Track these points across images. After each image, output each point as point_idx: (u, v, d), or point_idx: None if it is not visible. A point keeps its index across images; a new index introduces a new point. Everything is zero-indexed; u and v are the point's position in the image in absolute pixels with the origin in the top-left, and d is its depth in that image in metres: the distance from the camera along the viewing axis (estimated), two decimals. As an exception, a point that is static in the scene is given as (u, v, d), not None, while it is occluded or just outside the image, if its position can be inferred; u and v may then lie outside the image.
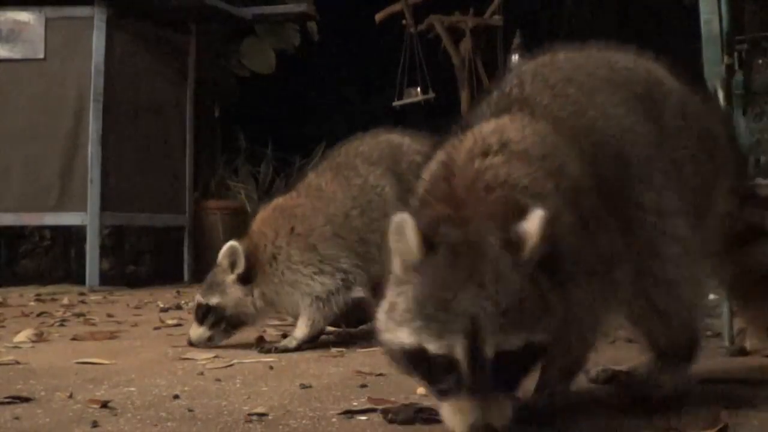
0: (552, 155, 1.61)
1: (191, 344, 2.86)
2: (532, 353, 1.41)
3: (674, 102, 1.88)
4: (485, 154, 1.57)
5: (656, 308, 1.74)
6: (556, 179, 1.57)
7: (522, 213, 1.44)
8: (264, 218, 3.10)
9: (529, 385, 1.58)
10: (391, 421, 1.71)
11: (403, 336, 1.42)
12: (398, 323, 1.43)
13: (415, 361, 1.42)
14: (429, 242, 1.43)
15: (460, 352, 1.36)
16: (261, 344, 2.95)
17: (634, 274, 1.70)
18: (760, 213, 2.05)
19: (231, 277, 2.92)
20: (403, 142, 3.30)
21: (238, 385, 2.16)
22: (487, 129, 1.65)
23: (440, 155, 1.66)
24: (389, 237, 1.45)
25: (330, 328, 3.31)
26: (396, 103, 9.24)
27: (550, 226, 1.42)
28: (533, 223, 1.40)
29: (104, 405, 1.89)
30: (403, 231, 1.42)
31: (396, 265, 1.48)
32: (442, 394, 1.41)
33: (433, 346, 1.38)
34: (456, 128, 1.74)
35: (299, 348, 2.83)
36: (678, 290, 1.75)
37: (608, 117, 1.76)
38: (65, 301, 4.86)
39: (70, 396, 2.01)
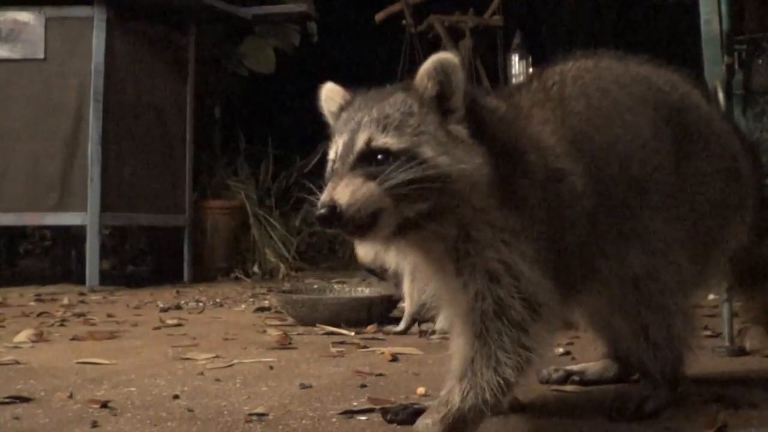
0: (557, 156, 1.66)
1: None
2: (416, 165, 1.45)
3: (703, 131, 1.87)
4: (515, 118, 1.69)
5: (647, 335, 1.75)
6: (549, 178, 1.61)
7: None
8: None
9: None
10: (390, 421, 1.72)
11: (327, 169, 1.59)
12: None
13: (327, 173, 1.57)
14: (350, 96, 1.69)
15: (340, 145, 1.54)
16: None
17: (626, 300, 1.72)
18: None
19: None
20: None
21: (238, 385, 2.17)
22: (519, 109, 1.73)
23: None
24: (322, 106, 1.75)
25: (329, 328, 3.32)
26: (396, 103, 9.24)
27: (460, 74, 1.59)
28: (425, 64, 1.57)
29: (104, 405, 1.89)
30: (330, 92, 1.73)
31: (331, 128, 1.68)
32: None
33: (331, 153, 1.58)
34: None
35: None
36: (671, 320, 1.75)
37: (633, 139, 1.76)
38: (65, 301, 4.86)
39: (70, 396, 2.01)
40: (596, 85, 1.82)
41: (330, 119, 1.70)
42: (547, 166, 1.62)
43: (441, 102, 1.53)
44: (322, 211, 1.42)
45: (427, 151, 1.47)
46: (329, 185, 1.47)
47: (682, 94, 1.91)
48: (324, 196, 1.45)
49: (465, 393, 1.52)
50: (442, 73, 1.55)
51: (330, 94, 1.72)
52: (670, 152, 1.79)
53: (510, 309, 1.53)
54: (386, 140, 1.49)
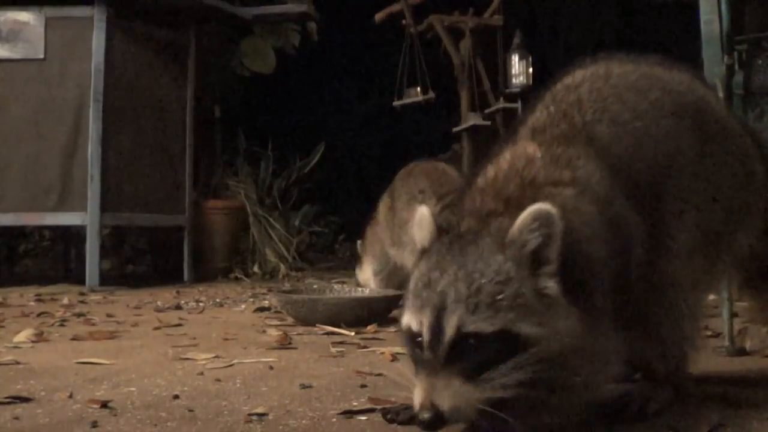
0: (615, 201, 1.63)
1: None
2: (507, 343, 1.37)
3: (719, 134, 1.87)
4: (557, 184, 1.59)
5: (659, 336, 1.75)
6: (614, 228, 1.58)
7: (569, 232, 1.46)
8: None
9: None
10: (390, 421, 1.71)
11: (403, 317, 1.48)
12: (404, 306, 1.50)
13: (407, 341, 1.47)
14: (441, 231, 1.52)
15: (425, 327, 1.39)
16: None
17: (640, 303, 1.71)
18: None
19: None
20: None
21: (238, 385, 2.16)
22: (558, 159, 1.64)
23: (512, 164, 1.65)
24: (414, 229, 1.56)
25: (329, 328, 3.32)
26: (396, 103, 9.24)
27: (559, 225, 1.42)
28: (522, 216, 1.43)
29: (104, 405, 1.89)
30: (422, 220, 1.54)
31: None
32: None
33: (410, 322, 1.43)
34: (514, 130, 1.76)
35: None
36: (681, 321, 1.75)
37: (658, 151, 1.75)
38: (65, 301, 4.86)
39: (70, 396, 2.01)
40: (614, 97, 1.78)
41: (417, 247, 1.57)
42: (606, 219, 1.58)
43: (536, 255, 1.42)
44: (426, 415, 1.34)
45: (524, 328, 1.37)
46: (425, 381, 1.37)
47: (698, 96, 1.89)
48: (422, 398, 1.35)
49: None
50: (546, 226, 1.41)
51: (421, 223, 1.55)
52: (689, 158, 1.79)
53: None
54: (478, 325, 1.36)
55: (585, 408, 1.56)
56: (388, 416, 1.73)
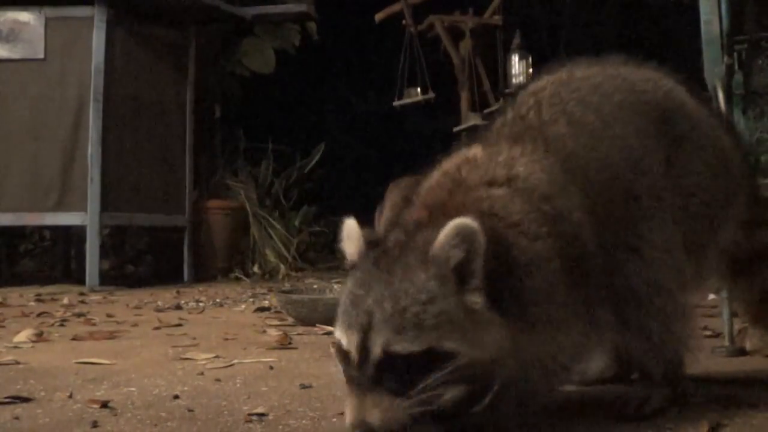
0: (556, 197, 1.61)
1: None
2: (435, 360, 1.38)
3: (690, 129, 1.85)
4: (491, 184, 1.60)
5: (650, 339, 1.74)
6: (552, 224, 1.57)
7: (495, 240, 1.46)
8: None
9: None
10: None
11: (335, 332, 1.49)
12: (336, 321, 1.50)
13: (338, 356, 1.47)
14: (369, 245, 1.51)
15: (353, 347, 1.41)
16: None
17: (628, 307, 1.71)
18: None
19: None
20: None
21: (238, 385, 2.16)
22: (498, 158, 1.65)
23: (450, 169, 1.66)
24: (343, 243, 1.55)
25: (329, 328, 3.32)
26: (396, 103, 9.24)
27: (481, 241, 1.41)
28: (443, 232, 1.42)
29: (104, 405, 1.89)
30: (349, 232, 1.54)
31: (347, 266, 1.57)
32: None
33: (341, 339, 1.44)
34: (466, 141, 1.78)
35: None
36: (670, 323, 1.74)
37: (622, 150, 1.74)
38: (65, 301, 4.86)
39: (70, 396, 2.01)
40: (575, 100, 1.77)
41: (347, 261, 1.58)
42: (544, 215, 1.57)
43: (461, 268, 1.43)
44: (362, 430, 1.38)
45: (449, 344, 1.39)
46: (355, 400, 1.40)
47: (665, 92, 1.88)
48: (354, 415, 1.39)
49: None
50: (467, 241, 1.42)
51: (348, 233, 1.56)
52: (659, 156, 1.78)
53: None
54: (404, 345, 1.38)
55: (532, 412, 1.60)
56: None
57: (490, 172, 1.62)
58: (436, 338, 1.39)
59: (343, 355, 1.45)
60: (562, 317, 1.56)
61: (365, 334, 1.40)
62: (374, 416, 1.38)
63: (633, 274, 1.71)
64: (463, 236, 1.41)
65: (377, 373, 1.39)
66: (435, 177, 1.67)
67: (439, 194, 1.60)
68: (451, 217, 1.45)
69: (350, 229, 1.54)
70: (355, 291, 1.46)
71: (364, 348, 1.40)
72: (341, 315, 1.47)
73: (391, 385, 1.39)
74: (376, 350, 1.39)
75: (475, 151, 1.69)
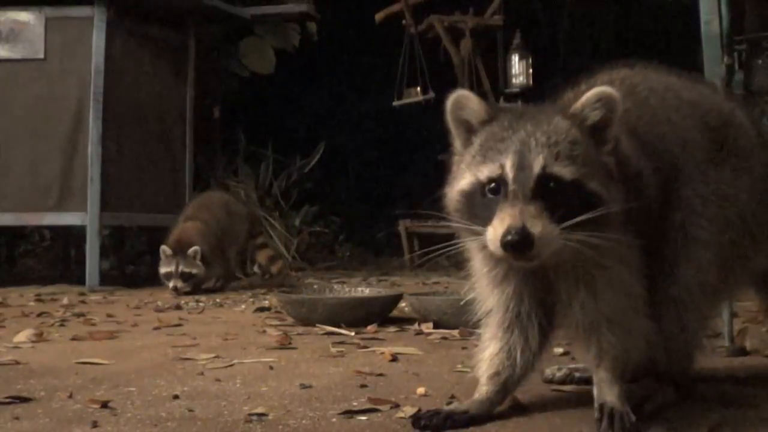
0: (634, 158, 1.69)
1: None
2: (583, 197, 1.47)
3: (743, 148, 1.89)
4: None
5: (660, 327, 1.74)
6: (635, 180, 1.65)
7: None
8: None
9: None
10: (424, 428, 1.66)
11: (463, 183, 1.57)
12: (458, 178, 1.59)
13: (471, 199, 1.55)
14: (496, 108, 1.62)
15: (508, 165, 1.49)
16: None
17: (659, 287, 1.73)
18: None
19: None
20: None
21: (238, 385, 2.16)
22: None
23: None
24: (449, 114, 1.64)
25: (329, 328, 3.32)
26: (396, 103, 9.24)
27: (619, 106, 1.54)
28: (587, 94, 1.55)
29: (104, 405, 1.89)
30: (465, 101, 1.63)
31: (458, 140, 1.65)
32: (488, 221, 1.48)
33: (486, 171, 1.52)
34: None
35: None
36: (686, 315, 1.75)
37: (676, 134, 1.82)
38: (65, 301, 4.85)
39: (70, 396, 2.01)
40: (644, 85, 1.87)
41: (459, 128, 1.65)
42: (633, 171, 1.66)
43: (596, 131, 1.55)
44: (515, 237, 1.41)
45: (594, 185, 1.50)
46: (513, 209, 1.44)
47: (731, 109, 1.94)
48: (513, 219, 1.43)
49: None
50: (607, 106, 1.54)
51: (467, 102, 1.64)
52: (709, 154, 1.83)
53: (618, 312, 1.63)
54: (560, 170, 1.49)
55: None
56: (422, 423, 1.67)
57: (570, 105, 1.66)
58: (585, 175, 1.49)
59: (483, 187, 1.51)
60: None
61: (523, 155, 1.49)
62: (535, 225, 1.42)
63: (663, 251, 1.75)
64: (605, 101, 1.54)
65: (537, 188, 1.46)
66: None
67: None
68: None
69: (467, 96, 1.64)
70: (498, 134, 1.55)
71: (522, 166, 1.48)
72: (485, 153, 1.55)
73: (547, 207, 1.45)
74: (537, 167, 1.48)
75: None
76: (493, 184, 1.50)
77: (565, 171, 1.48)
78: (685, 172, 1.79)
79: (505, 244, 1.42)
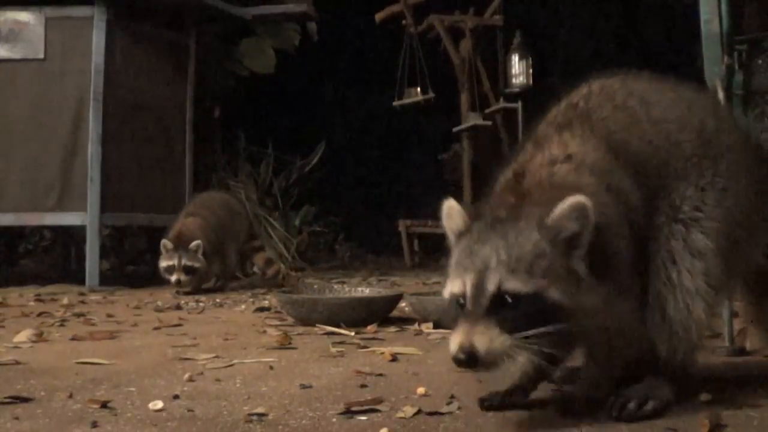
0: (611, 172, 1.76)
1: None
2: (541, 307, 1.54)
3: (735, 143, 1.91)
4: (553, 163, 1.76)
5: (664, 314, 1.78)
6: (613, 194, 1.71)
7: None
8: None
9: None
10: (488, 408, 1.81)
11: (444, 291, 1.68)
12: (445, 284, 1.69)
13: (450, 306, 1.65)
14: (474, 215, 1.70)
15: (468, 284, 1.58)
16: None
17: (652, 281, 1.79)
18: None
19: None
20: None
21: (238, 385, 2.16)
22: (553, 146, 1.81)
23: (513, 166, 1.82)
24: (443, 221, 1.74)
25: (329, 328, 3.32)
26: (396, 103, 9.24)
27: (592, 217, 1.57)
28: (563, 203, 1.58)
29: (104, 405, 1.89)
30: (451, 211, 1.72)
31: (450, 242, 1.74)
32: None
33: (453, 286, 1.62)
34: (524, 139, 1.93)
35: None
36: (692, 303, 1.78)
37: (660, 130, 1.85)
38: (65, 301, 4.85)
39: (70, 396, 2.01)
40: (623, 91, 1.90)
41: (450, 235, 1.74)
42: (612, 188, 1.72)
43: (571, 239, 1.60)
44: (461, 355, 1.52)
45: (555, 295, 1.56)
46: (464, 326, 1.55)
47: (714, 105, 1.99)
48: (461, 338, 1.53)
49: None
50: (581, 218, 1.58)
51: (451, 212, 1.73)
52: (699, 148, 1.86)
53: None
54: (517, 285, 1.55)
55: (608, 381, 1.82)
56: (485, 404, 1.82)
57: (548, 155, 1.77)
58: (544, 286, 1.56)
59: (455, 300, 1.61)
60: (629, 283, 1.70)
61: (481, 274, 1.58)
62: (481, 342, 1.52)
63: (661, 244, 1.81)
64: (579, 212, 1.58)
65: (490, 307, 1.55)
66: (505, 175, 1.82)
67: (509, 180, 1.77)
68: (530, 197, 1.66)
69: (451, 207, 1.73)
70: (469, 247, 1.63)
71: (479, 286, 1.57)
72: (455, 267, 1.65)
73: (500, 321, 1.54)
74: (491, 286, 1.56)
75: (527, 145, 1.85)
76: (458, 299, 1.61)
77: (522, 286, 1.55)
78: (677, 168, 1.83)
79: (454, 360, 1.54)
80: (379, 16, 9.38)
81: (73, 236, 7.62)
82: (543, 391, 2.00)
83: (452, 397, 1.94)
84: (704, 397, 1.84)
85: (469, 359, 1.52)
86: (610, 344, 1.75)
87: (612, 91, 1.91)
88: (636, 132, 1.84)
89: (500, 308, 1.55)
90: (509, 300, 1.55)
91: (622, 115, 1.86)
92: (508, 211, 1.65)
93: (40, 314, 4.06)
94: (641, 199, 1.77)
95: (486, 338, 1.53)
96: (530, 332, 1.53)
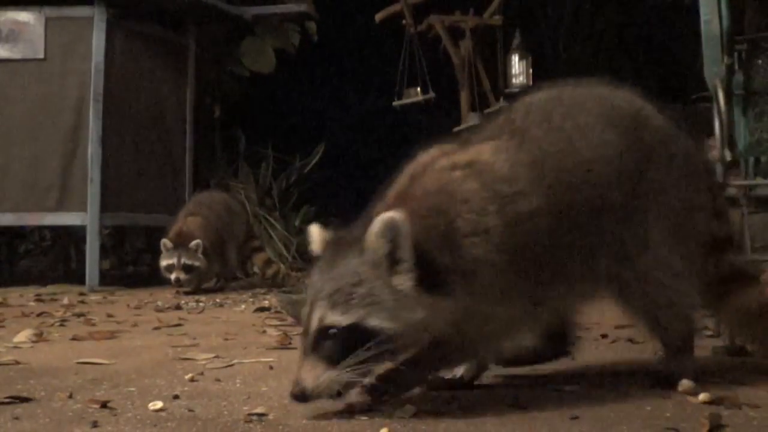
0: (516, 181, 1.79)
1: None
2: (361, 335, 1.63)
3: (660, 142, 1.99)
4: (453, 168, 1.80)
5: (657, 304, 1.91)
6: (505, 203, 1.74)
7: (439, 218, 1.70)
8: None
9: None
10: (431, 389, 1.93)
11: None
12: None
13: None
14: (330, 240, 1.78)
15: (304, 320, 1.70)
16: None
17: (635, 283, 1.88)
18: (743, 259, 2.18)
19: None
20: None
21: (238, 385, 2.16)
22: (468, 148, 1.87)
23: (424, 158, 1.87)
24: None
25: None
26: (396, 103, 9.24)
27: (406, 230, 1.62)
28: (375, 221, 1.65)
29: (104, 405, 1.89)
30: (313, 235, 1.83)
31: None
32: None
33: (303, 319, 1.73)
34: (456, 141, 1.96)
35: None
36: (666, 280, 1.91)
37: (596, 155, 1.90)
38: (65, 301, 4.86)
39: (70, 396, 2.01)
40: (558, 111, 1.95)
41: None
42: (503, 196, 1.77)
43: (391, 255, 1.65)
44: (295, 390, 1.66)
45: (374, 322, 1.63)
46: (300, 362, 1.68)
47: (637, 108, 2.03)
48: (295, 375, 1.67)
49: None
50: (392, 232, 1.63)
51: (313, 237, 1.84)
52: (633, 163, 1.92)
53: None
54: (335, 318, 1.64)
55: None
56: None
57: (454, 159, 1.82)
58: (362, 316, 1.63)
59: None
60: (503, 290, 1.75)
61: (311, 308, 1.68)
62: (308, 379, 1.65)
63: (609, 266, 1.89)
64: (389, 229, 1.63)
65: (314, 343, 1.66)
66: (407, 170, 1.87)
67: (404, 183, 1.82)
68: (407, 203, 1.70)
69: (313, 230, 1.84)
70: (312, 277, 1.75)
71: (309, 320, 1.67)
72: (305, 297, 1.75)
73: (325, 355, 1.64)
74: (314, 323, 1.66)
75: (451, 145, 1.90)
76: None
77: (341, 319, 1.63)
78: (616, 185, 1.89)
79: (291, 396, 1.68)
80: (379, 16, 9.38)
81: (73, 236, 7.61)
82: (543, 391, 2.00)
83: (452, 397, 1.94)
84: (704, 397, 1.83)
85: (301, 396, 1.65)
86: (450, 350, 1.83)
87: (548, 111, 1.95)
88: (570, 158, 1.87)
89: (326, 342, 1.64)
90: (334, 333, 1.63)
91: (554, 136, 1.89)
92: (354, 232, 1.73)
93: (40, 314, 4.06)
94: (563, 218, 1.81)
95: (312, 375, 1.64)
96: (353, 361, 1.62)
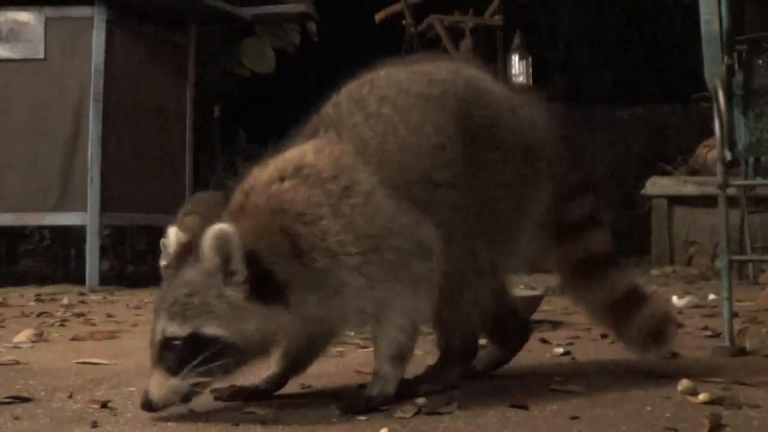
0: (343, 174, 1.78)
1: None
2: (200, 343, 1.66)
3: (490, 116, 1.95)
4: (282, 178, 1.80)
5: (439, 316, 1.99)
6: (338, 199, 1.75)
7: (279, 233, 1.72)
8: None
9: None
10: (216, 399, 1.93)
11: None
12: None
13: None
14: (180, 248, 1.83)
15: (151, 330, 1.73)
16: None
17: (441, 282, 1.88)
18: (590, 203, 2.14)
19: None
20: None
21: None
22: (290, 154, 1.85)
23: (255, 173, 1.86)
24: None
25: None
26: (396, 103, 9.23)
27: (236, 242, 1.66)
28: (205, 234, 1.69)
29: (104, 405, 1.89)
30: (168, 241, 1.90)
31: None
32: None
33: None
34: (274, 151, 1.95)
35: None
36: (463, 300, 1.94)
37: (418, 137, 1.86)
38: (65, 301, 4.85)
39: (70, 396, 2.01)
40: (374, 95, 1.91)
41: None
42: (334, 193, 1.76)
43: (225, 266, 1.68)
44: (143, 400, 1.71)
45: (210, 330, 1.67)
46: (150, 373, 1.72)
47: (465, 81, 1.98)
48: (146, 388, 1.71)
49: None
50: (223, 246, 1.67)
51: (170, 241, 1.89)
52: (458, 142, 1.89)
53: None
54: (174, 330, 1.67)
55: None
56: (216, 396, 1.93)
57: (280, 168, 1.82)
58: (198, 325, 1.67)
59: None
60: (347, 291, 1.76)
61: (156, 321, 1.71)
62: (153, 390, 1.69)
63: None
64: (220, 242, 1.67)
65: (158, 354, 1.69)
66: (241, 186, 1.87)
67: (239, 198, 1.83)
68: (245, 218, 1.74)
69: (169, 237, 1.89)
70: (161, 286, 1.78)
71: (155, 333, 1.71)
72: None
73: (168, 366, 1.68)
74: (157, 335, 1.70)
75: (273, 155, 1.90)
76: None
77: (179, 330, 1.67)
78: (439, 168, 1.86)
79: (140, 406, 1.72)
80: (379, 16, 9.38)
81: (73, 236, 7.61)
82: (543, 391, 2.00)
83: (452, 397, 1.94)
84: (704, 397, 1.83)
85: (148, 406, 1.69)
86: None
87: (362, 97, 1.91)
88: (391, 141, 1.84)
89: (169, 352, 1.68)
90: (175, 343, 1.67)
91: (375, 122, 1.86)
92: (190, 242, 1.76)
93: (40, 314, 4.06)
94: (399, 200, 1.79)
95: (157, 385, 1.68)
96: (195, 370, 1.66)
